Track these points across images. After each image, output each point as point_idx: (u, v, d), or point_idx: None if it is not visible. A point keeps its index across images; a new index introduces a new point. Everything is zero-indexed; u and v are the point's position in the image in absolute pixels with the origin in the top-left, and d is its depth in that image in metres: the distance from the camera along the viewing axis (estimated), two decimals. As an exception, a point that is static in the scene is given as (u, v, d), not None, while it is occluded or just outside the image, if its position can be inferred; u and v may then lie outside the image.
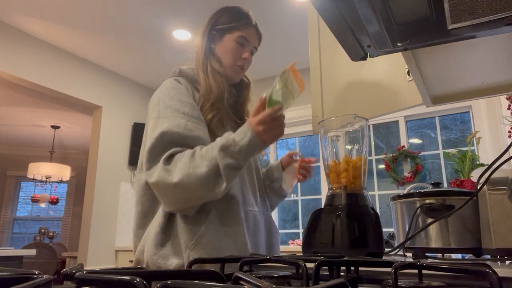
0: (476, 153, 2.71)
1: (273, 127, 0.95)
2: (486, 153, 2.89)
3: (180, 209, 1.01)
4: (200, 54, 1.18)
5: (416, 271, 0.53)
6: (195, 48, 1.21)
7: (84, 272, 0.40)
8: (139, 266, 1.01)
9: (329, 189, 0.94)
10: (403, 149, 3.49)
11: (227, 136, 0.97)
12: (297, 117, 3.94)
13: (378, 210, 0.92)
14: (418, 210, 0.98)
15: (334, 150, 0.95)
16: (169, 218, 1.04)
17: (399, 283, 0.48)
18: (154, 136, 1.00)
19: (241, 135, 0.96)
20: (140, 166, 1.08)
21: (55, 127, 5.72)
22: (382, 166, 3.61)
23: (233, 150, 0.94)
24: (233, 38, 1.16)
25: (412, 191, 1.07)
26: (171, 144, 0.99)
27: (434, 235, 0.96)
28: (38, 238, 5.75)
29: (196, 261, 0.64)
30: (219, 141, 0.97)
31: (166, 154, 0.98)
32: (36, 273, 0.38)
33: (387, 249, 0.97)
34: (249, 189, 1.15)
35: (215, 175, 0.95)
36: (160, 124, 1.02)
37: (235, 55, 1.17)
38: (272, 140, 0.98)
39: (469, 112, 3.34)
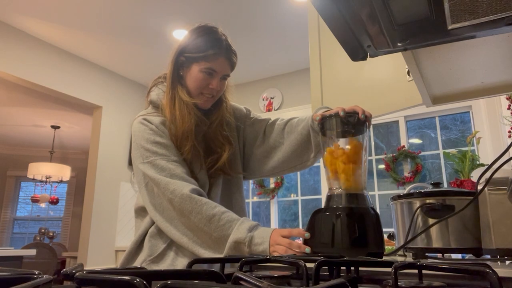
0: (476, 153, 2.71)
1: (281, 248, 0.93)
2: (486, 153, 2.89)
3: (154, 204, 1.05)
4: (168, 82, 1.16)
5: (416, 271, 0.53)
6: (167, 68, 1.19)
7: (84, 272, 0.40)
8: (139, 266, 1.02)
9: (329, 189, 0.94)
10: (403, 149, 3.49)
11: (246, 233, 0.95)
12: (297, 117, 3.94)
13: (378, 210, 0.91)
14: (418, 210, 0.98)
15: (334, 150, 0.95)
16: (143, 232, 1.09)
17: (399, 283, 0.48)
18: (156, 185, 1.05)
19: (259, 240, 0.94)
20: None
21: (55, 127, 5.73)
22: (382, 166, 3.61)
23: (243, 248, 0.95)
24: (199, 68, 1.13)
25: (412, 191, 1.07)
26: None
27: (434, 235, 0.95)
28: (38, 238, 5.75)
29: (196, 261, 0.64)
30: (235, 235, 0.95)
31: (196, 187, 1.03)
32: (36, 273, 0.38)
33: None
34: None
35: (210, 241, 0.98)
36: (147, 170, 1.06)
37: (201, 85, 1.14)
38: (271, 255, 0.95)
39: (469, 112, 3.34)
